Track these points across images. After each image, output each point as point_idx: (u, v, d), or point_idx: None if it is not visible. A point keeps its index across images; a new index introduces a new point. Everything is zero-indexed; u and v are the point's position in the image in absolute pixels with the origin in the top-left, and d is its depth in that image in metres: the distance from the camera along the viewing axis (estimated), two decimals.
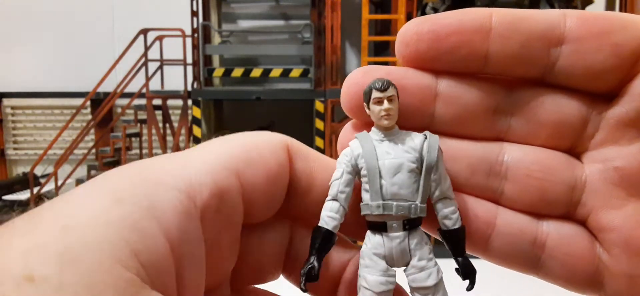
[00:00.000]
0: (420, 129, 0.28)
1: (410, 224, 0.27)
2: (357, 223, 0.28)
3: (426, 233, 0.29)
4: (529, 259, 0.27)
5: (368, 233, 0.28)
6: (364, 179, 0.27)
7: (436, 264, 0.27)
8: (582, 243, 0.27)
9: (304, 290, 0.27)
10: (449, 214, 0.27)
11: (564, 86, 0.27)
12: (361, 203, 0.27)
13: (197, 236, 0.23)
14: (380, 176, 0.27)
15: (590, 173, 0.27)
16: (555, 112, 0.27)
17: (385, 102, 0.26)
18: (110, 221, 0.20)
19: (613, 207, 0.26)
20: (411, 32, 0.26)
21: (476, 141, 0.28)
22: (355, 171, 0.27)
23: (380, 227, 0.27)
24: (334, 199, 0.27)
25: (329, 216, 0.27)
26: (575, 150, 0.27)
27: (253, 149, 0.26)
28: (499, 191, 0.28)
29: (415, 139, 0.27)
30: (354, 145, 0.28)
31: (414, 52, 0.27)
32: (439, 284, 0.27)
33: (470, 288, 0.27)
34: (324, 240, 0.27)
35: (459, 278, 0.28)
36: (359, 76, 0.28)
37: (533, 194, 0.27)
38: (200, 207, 0.23)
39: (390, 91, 0.26)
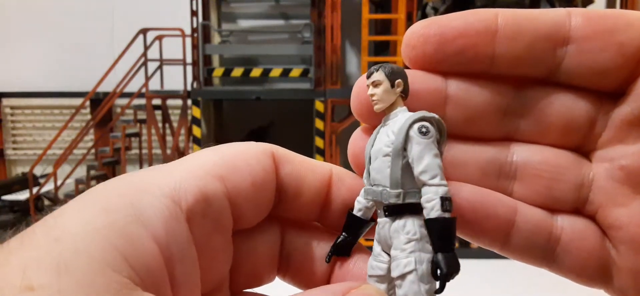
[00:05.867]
0: None
1: (389, 211, 0.27)
2: None
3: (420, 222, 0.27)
4: (545, 253, 0.27)
5: None
6: None
7: (410, 255, 0.25)
8: (594, 238, 0.27)
9: (327, 262, 0.29)
10: (423, 202, 0.25)
11: (571, 85, 0.27)
12: None
13: (185, 238, 0.24)
14: (369, 162, 0.27)
15: (597, 171, 0.27)
16: (563, 112, 0.27)
17: (371, 87, 0.27)
18: (99, 229, 0.21)
19: (619, 205, 0.26)
20: (418, 34, 0.27)
21: (486, 142, 0.28)
22: None
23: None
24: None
25: (357, 201, 0.29)
26: (583, 149, 0.28)
27: (237, 156, 0.27)
28: (509, 191, 0.28)
29: (400, 122, 0.26)
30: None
31: (421, 55, 0.27)
32: (405, 276, 0.25)
33: (438, 291, 0.25)
34: (348, 222, 0.29)
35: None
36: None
37: (542, 193, 0.27)
38: (185, 211, 0.24)
39: (374, 76, 0.27)
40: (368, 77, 0.27)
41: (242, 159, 0.27)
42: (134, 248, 0.21)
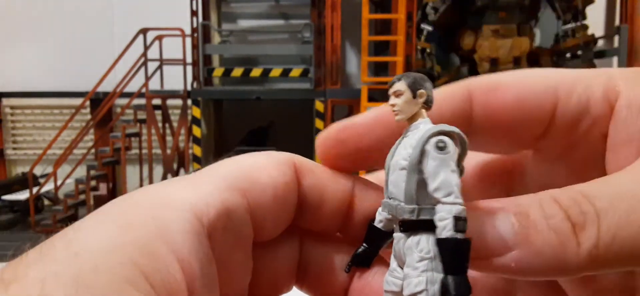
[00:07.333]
0: None
1: (404, 226, 0.26)
2: None
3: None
4: None
5: None
6: None
7: (421, 275, 0.24)
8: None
9: (347, 272, 0.29)
10: (436, 221, 0.24)
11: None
12: None
13: (207, 255, 0.23)
14: (388, 174, 0.27)
15: None
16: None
17: (392, 97, 0.26)
18: (120, 245, 0.21)
19: None
20: (331, 138, 0.28)
21: None
22: None
23: None
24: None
25: (378, 212, 0.28)
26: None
27: (259, 169, 0.27)
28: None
29: (420, 134, 0.26)
30: None
31: (334, 157, 0.28)
32: None
33: None
34: (368, 233, 0.28)
35: None
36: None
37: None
38: (207, 226, 0.24)
39: (396, 86, 0.26)
40: (390, 86, 0.26)
41: (264, 172, 0.26)
42: (155, 266, 0.21)
